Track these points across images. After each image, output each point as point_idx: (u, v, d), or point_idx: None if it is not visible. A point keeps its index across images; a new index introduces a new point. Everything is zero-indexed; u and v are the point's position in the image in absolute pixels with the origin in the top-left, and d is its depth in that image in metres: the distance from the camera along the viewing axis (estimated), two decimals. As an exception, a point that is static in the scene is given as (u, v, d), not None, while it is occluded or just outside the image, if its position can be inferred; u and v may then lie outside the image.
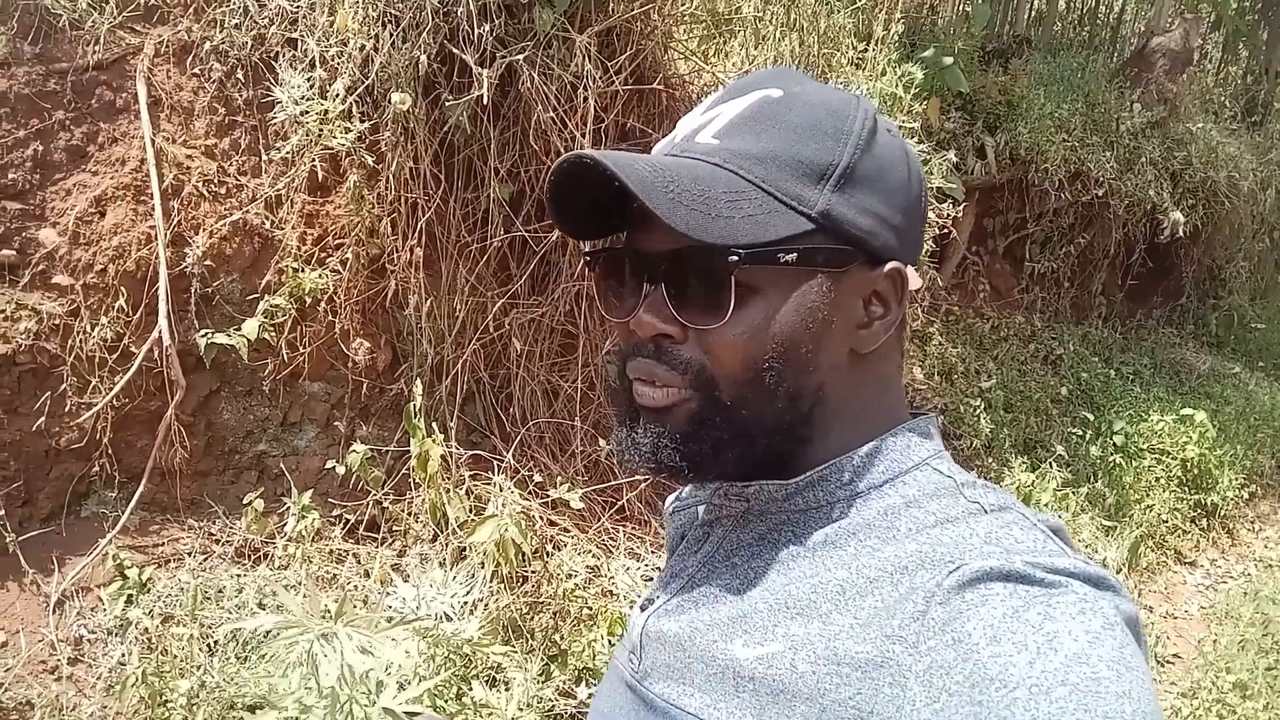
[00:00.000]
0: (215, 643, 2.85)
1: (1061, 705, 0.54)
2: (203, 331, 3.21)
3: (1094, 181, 6.62)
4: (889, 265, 0.76)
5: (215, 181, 3.32)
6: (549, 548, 3.34)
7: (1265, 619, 5.15)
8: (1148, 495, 6.17)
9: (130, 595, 2.93)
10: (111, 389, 3.06)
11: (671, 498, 0.95)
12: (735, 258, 0.71)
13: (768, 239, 0.72)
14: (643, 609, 0.86)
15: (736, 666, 0.72)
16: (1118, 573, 5.27)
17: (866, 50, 4.90)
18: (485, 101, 3.36)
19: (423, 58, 3.29)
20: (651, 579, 3.51)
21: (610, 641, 3.11)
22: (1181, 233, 7.03)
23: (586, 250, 0.85)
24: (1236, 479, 6.65)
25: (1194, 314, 8.36)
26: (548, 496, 3.46)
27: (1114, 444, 6.39)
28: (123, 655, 2.78)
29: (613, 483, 3.75)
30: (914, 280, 0.78)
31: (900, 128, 4.77)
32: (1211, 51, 8.47)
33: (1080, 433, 6.53)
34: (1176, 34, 7.17)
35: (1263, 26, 8.91)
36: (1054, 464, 5.81)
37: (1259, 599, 5.45)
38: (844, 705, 0.64)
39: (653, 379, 0.76)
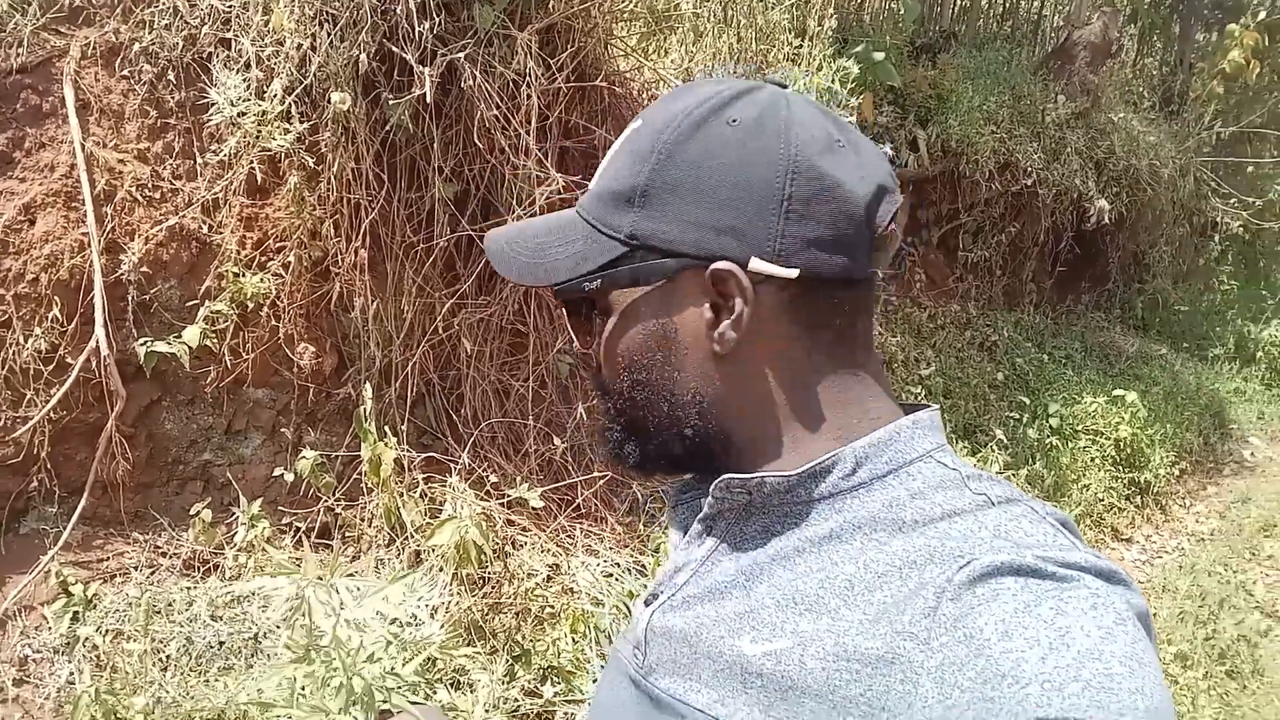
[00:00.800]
0: (168, 657, 2.77)
1: (1074, 701, 0.54)
2: (142, 340, 3.12)
3: (1022, 172, 6.79)
4: (712, 266, 0.74)
5: (149, 186, 3.23)
6: (508, 548, 3.32)
7: (1201, 591, 5.31)
8: (1084, 475, 6.33)
9: (76, 612, 2.84)
10: (48, 402, 2.96)
11: (673, 490, 0.93)
12: (552, 291, 0.81)
13: (583, 270, 0.79)
14: (647, 603, 0.85)
15: (744, 662, 0.71)
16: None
17: (801, 46, 4.95)
18: (427, 100, 3.32)
19: (362, 56, 3.24)
20: (611, 575, 3.50)
21: (574, 639, 3.10)
22: (1107, 220, 7.25)
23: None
24: (1167, 457, 6.87)
25: (1120, 298, 8.62)
26: (505, 496, 3.43)
27: (1050, 426, 6.55)
28: (71, 674, 2.69)
29: (567, 481, 3.74)
30: (776, 270, 0.73)
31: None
32: (1128, 44, 8.73)
33: (1018, 416, 6.68)
34: (1096, 27, 7.39)
35: (1175, 19, 9.23)
36: (994, 447, 5.93)
37: (1195, 572, 5.62)
38: (854, 702, 0.64)
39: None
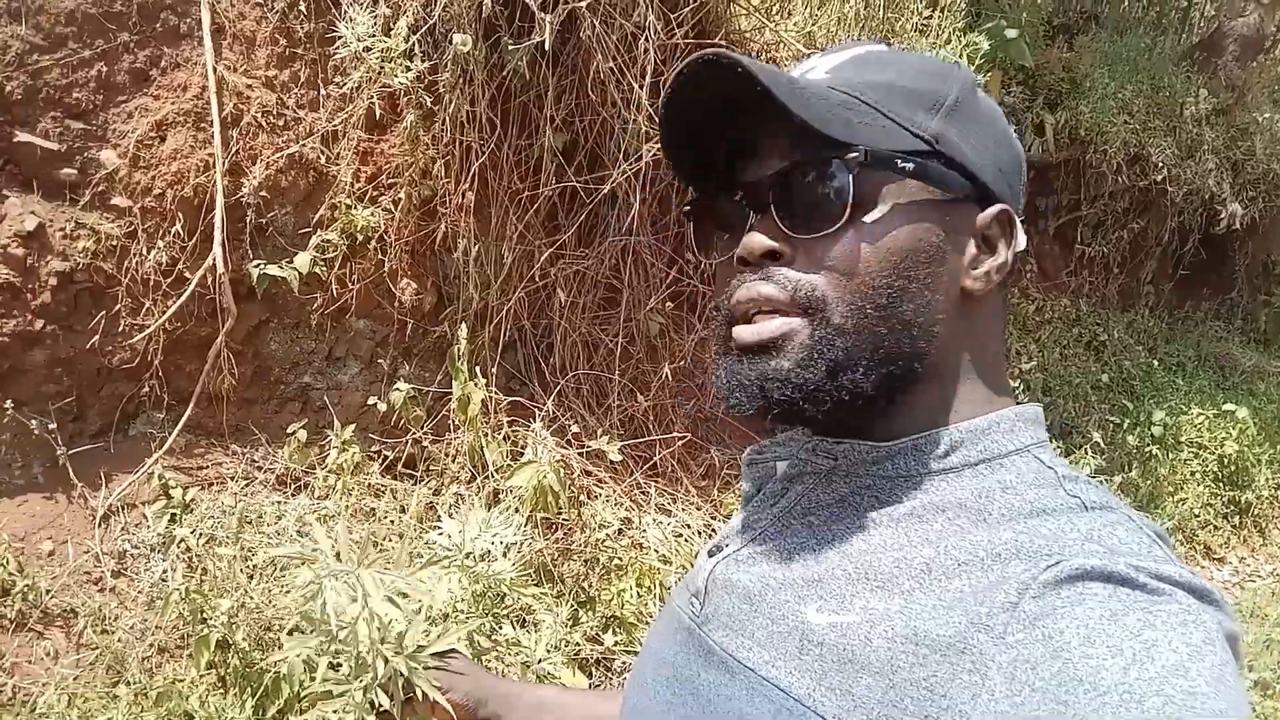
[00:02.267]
0: (255, 566, 2.92)
1: (1153, 716, 0.52)
2: (256, 262, 3.25)
3: (1153, 167, 6.49)
4: (998, 206, 0.76)
5: (274, 113, 3.33)
6: (583, 497, 3.38)
7: (1294, 621, 5.11)
8: (1181, 488, 6.11)
9: (174, 514, 3.00)
10: (165, 313, 3.11)
11: (750, 449, 0.91)
12: (856, 154, 0.70)
13: (888, 148, 0.72)
14: (710, 554, 0.85)
15: (805, 629, 0.70)
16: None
17: (931, 17, 4.81)
18: (545, 47, 3.34)
19: (486, 0, 3.27)
20: (681, 535, 3.54)
21: (638, 593, 3.15)
22: (1238, 225, 6.88)
23: (688, 201, 0.84)
24: (1273, 478, 6.57)
25: (1243, 309, 8.20)
26: (584, 447, 3.48)
27: (1151, 435, 6.32)
28: (165, 571, 2.85)
29: (647, 439, 3.78)
30: (1021, 238, 0.77)
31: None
32: (1284, 39, 8.21)
33: (1118, 421, 6.46)
34: (1251, 19, 6.97)
35: (1340, 17, 8.63)
36: (1089, 450, 5.76)
37: (1289, 601, 5.40)
38: (915, 685, 0.62)
39: (756, 305, 0.74)
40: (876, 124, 0.72)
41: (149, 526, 2.97)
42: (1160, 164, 6.48)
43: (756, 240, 0.74)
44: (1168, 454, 6.27)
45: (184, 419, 3.18)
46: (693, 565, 0.92)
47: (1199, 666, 0.53)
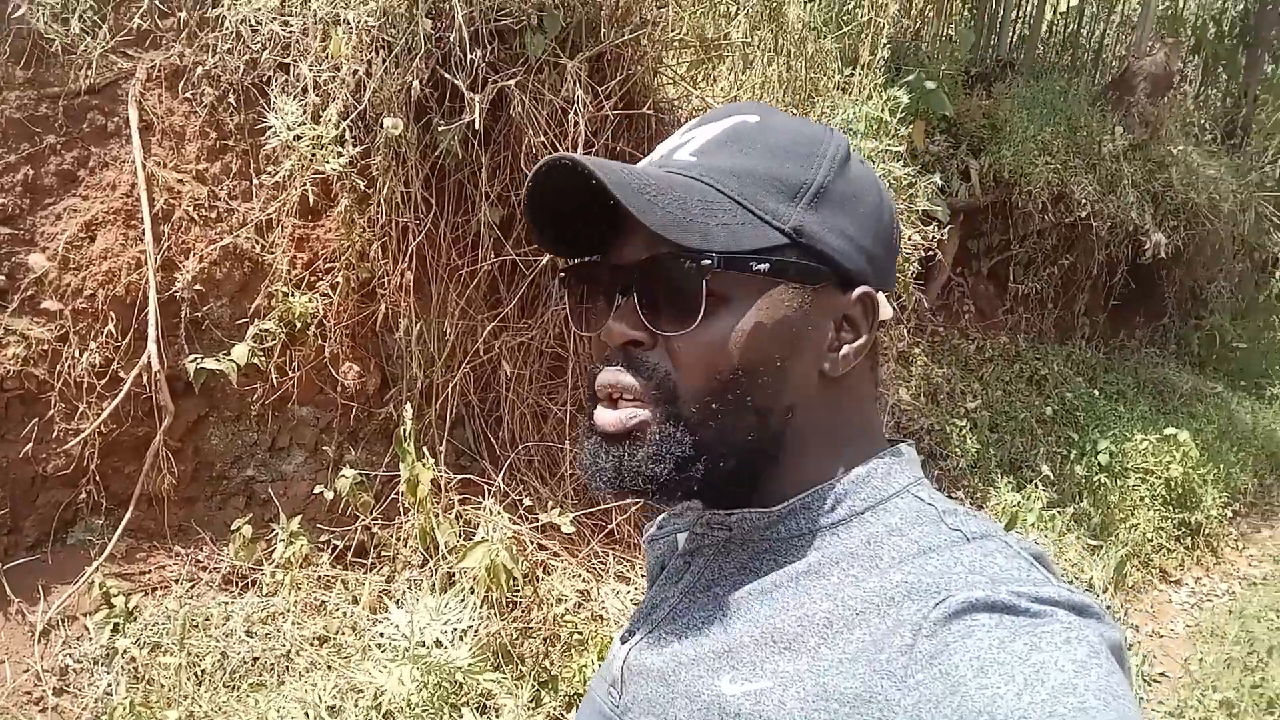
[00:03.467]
0: (203, 671, 2.83)
1: None
2: (192, 357, 3.20)
3: (1077, 204, 6.69)
4: (860, 289, 0.77)
5: (206, 206, 3.31)
6: (539, 572, 3.34)
7: (1250, 637, 5.18)
8: (1133, 514, 6.21)
9: (117, 624, 2.91)
10: (100, 415, 3.05)
11: (650, 526, 0.93)
12: (709, 261, 0.71)
13: (740, 248, 0.73)
14: (623, 641, 0.85)
15: (722, 702, 0.71)
16: (1104, 592, 5.30)
17: (853, 75, 4.94)
18: (477, 126, 3.37)
19: (415, 83, 3.29)
20: (639, 603, 3.51)
21: (600, 668, 3.10)
22: (1163, 253, 7.11)
23: (562, 267, 0.85)
24: (1220, 498, 6.70)
25: (1176, 334, 8.45)
26: (538, 520, 3.45)
27: (1099, 463, 6.43)
28: (109, 685, 2.75)
29: (602, 506, 3.75)
30: (885, 309, 0.79)
31: (885, 151, 4.82)
32: (1191, 75, 8.58)
33: (1065, 452, 6.57)
34: (1158, 58, 7.27)
35: (1241, 50, 9.04)
36: (1039, 484, 5.84)
37: (1244, 617, 5.48)
38: None
39: (617, 391, 0.76)
40: (734, 221, 0.73)
41: (90, 638, 2.87)
42: (1083, 200, 6.69)
43: (617, 329, 0.76)
44: (1116, 481, 6.38)
45: (124, 523, 3.10)
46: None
47: (1086, 682, 0.56)
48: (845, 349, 0.77)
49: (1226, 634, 5.38)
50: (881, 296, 0.79)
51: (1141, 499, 6.32)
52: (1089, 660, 0.57)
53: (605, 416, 0.77)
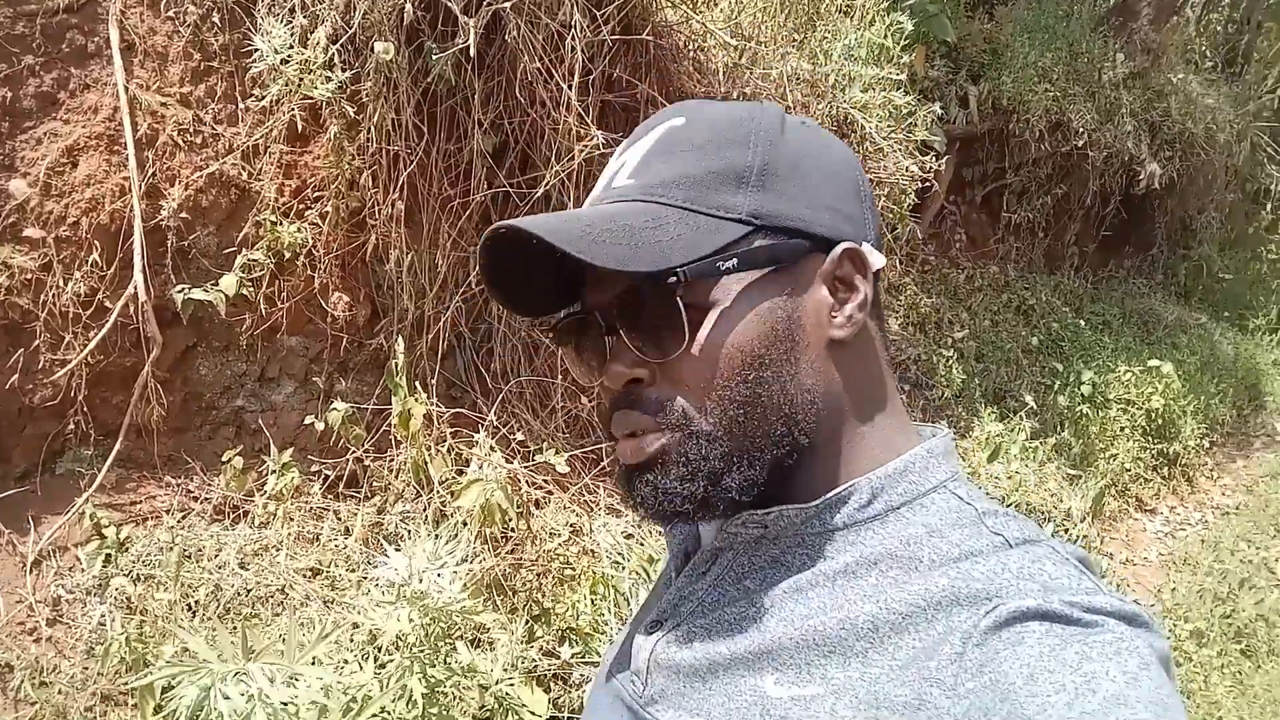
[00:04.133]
0: (196, 604, 2.85)
1: None
2: (179, 287, 3.14)
3: (1074, 132, 6.62)
4: (840, 247, 0.76)
5: (191, 131, 3.21)
6: (531, 507, 3.35)
7: (1222, 568, 5.31)
8: (1112, 445, 6.30)
9: (108, 555, 2.91)
10: (86, 345, 2.99)
11: None
12: (674, 279, 0.70)
13: (703, 253, 0.71)
14: (648, 632, 0.84)
15: (767, 703, 0.71)
16: (1081, 521, 5.40)
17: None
18: (470, 51, 3.26)
19: (407, 5, 3.17)
20: (632, 536, 3.54)
21: (593, 601, 3.14)
22: (1157, 184, 7.08)
23: (548, 329, 0.84)
24: (1198, 428, 6.81)
25: (1164, 264, 8.46)
26: (530, 457, 3.46)
27: (1081, 394, 6.50)
28: (103, 616, 2.77)
29: (593, 439, 3.76)
30: (876, 259, 0.77)
31: (886, 79, 4.72)
32: (1194, 0, 8.42)
33: (1049, 383, 6.63)
34: (1163, -18, 7.12)
35: (1246, -26, 8.86)
36: (1024, 415, 5.90)
37: (1217, 548, 5.61)
38: None
39: (634, 430, 0.76)
40: (689, 230, 0.72)
41: (83, 569, 2.88)
42: (1080, 129, 6.62)
43: (616, 371, 0.76)
44: (1098, 412, 6.46)
45: (113, 453, 3.07)
46: (643, 576, 0.91)
47: (1137, 693, 0.56)
48: (848, 307, 0.76)
49: (1199, 563, 5.51)
50: (867, 246, 0.78)
51: (1122, 429, 6.41)
52: (1140, 671, 0.58)
53: (625, 447, 0.77)
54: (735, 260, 0.72)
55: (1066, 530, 5.26)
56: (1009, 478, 5.20)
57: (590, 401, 3.81)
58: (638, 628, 0.87)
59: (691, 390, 0.73)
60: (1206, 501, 6.71)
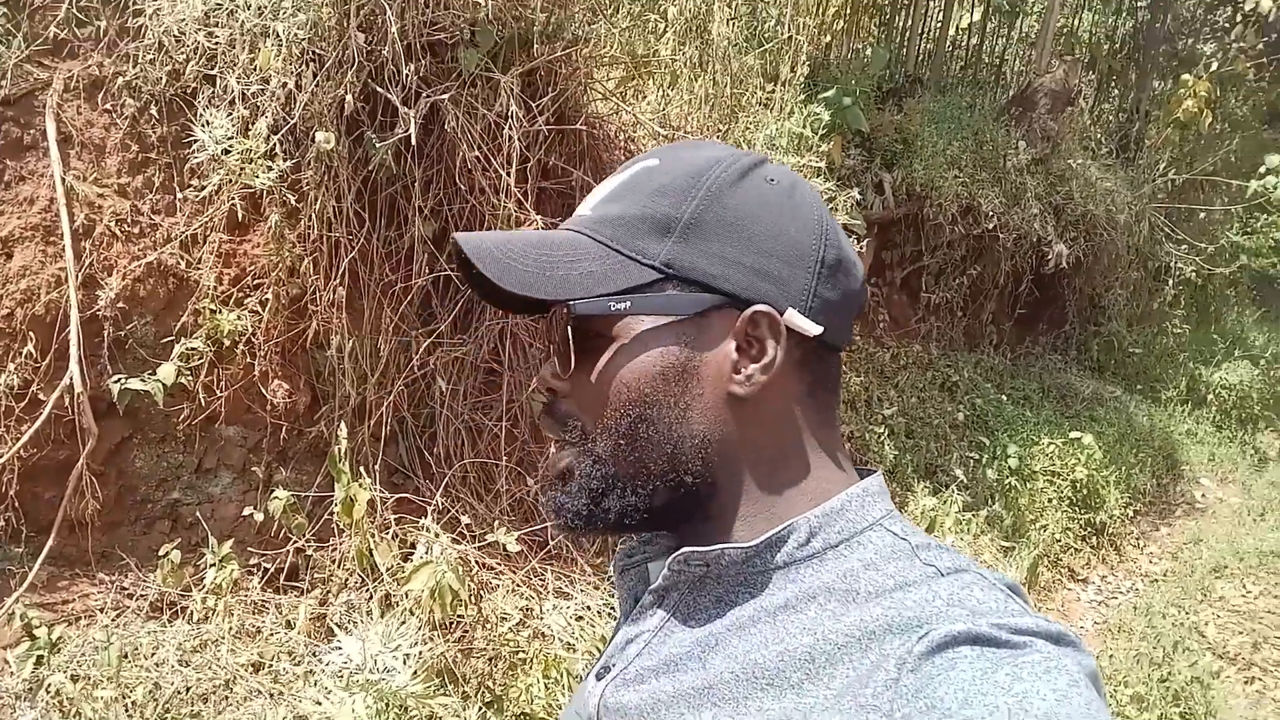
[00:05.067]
0: (134, 704, 2.73)
1: None
2: (116, 377, 3.09)
3: (984, 215, 6.92)
4: (753, 308, 0.77)
5: (129, 221, 3.20)
6: (481, 591, 3.31)
7: (1156, 632, 5.41)
8: (1042, 515, 6.44)
9: (40, 656, 2.78)
10: (19, 439, 2.92)
11: (619, 555, 0.93)
12: (566, 309, 0.77)
13: (602, 291, 0.77)
14: (599, 677, 0.85)
15: None
16: (1017, 592, 5.46)
17: (774, 91, 5.03)
18: (410, 140, 3.33)
19: (347, 97, 3.25)
20: (582, 618, 3.50)
21: (545, 685, 3.09)
22: (1065, 263, 7.41)
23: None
24: (1121, 498, 7.00)
25: (1077, 340, 8.79)
26: (478, 539, 3.42)
27: (1008, 467, 6.65)
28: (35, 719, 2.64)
29: (540, 523, 3.74)
30: (804, 325, 0.78)
31: (807, 167, 4.92)
32: (1087, 91, 8.96)
33: (977, 456, 6.78)
34: (1057, 74, 7.58)
35: (1132, 68, 9.49)
36: (955, 488, 6.01)
37: (1149, 613, 5.72)
38: None
39: (550, 434, 0.83)
40: (601, 266, 0.78)
41: (12, 672, 2.74)
42: (990, 212, 6.92)
43: (542, 376, 0.84)
44: (1025, 484, 6.61)
45: (45, 550, 2.97)
46: (596, 657, 0.92)
47: (1069, 709, 0.58)
48: (751, 367, 0.78)
49: (1133, 630, 5.61)
50: (792, 312, 0.78)
51: (1050, 500, 6.56)
52: (1069, 689, 0.60)
53: (548, 462, 0.84)
54: (629, 302, 0.77)
55: (1004, 599, 5.32)
56: (946, 550, 5.26)
57: (535, 484, 3.81)
58: (590, 673, 0.88)
59: (585, 412, 0.80)
60: (1135, 570, 6.87)
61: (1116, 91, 9.63)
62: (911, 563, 0.74)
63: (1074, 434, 6.95)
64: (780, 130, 4.93)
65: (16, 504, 2.93)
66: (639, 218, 0.78)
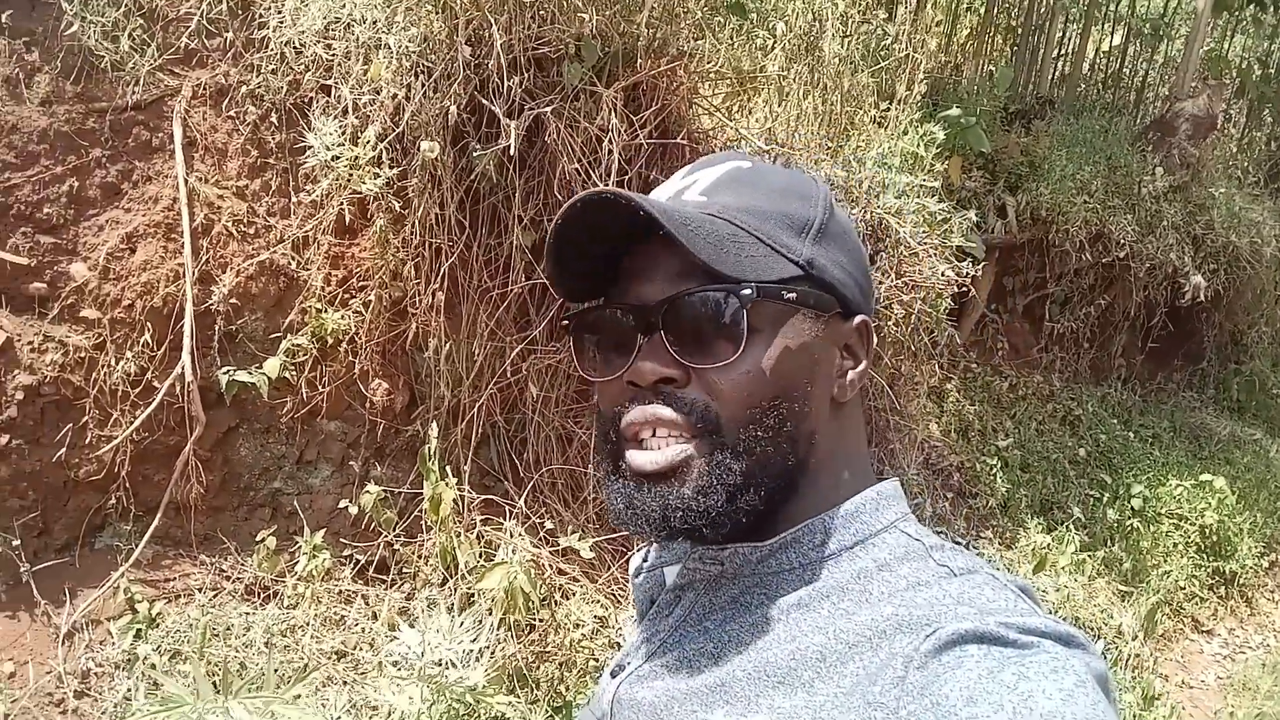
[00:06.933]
0: (219, 681, 2.85)
1: None
2: (225, 369, 3.25)
3: (1115, 244, 6.62)
4: (859, 318, 0.82)
5: (245, 221, 3.38)
6: (557, 596, 3.34)
7: (1285, 693, 5.05)
8: (1165, 560, 6.09)
9: (139, 630, 2.94)
10: (132, 423, 3.10)
11: (636, 560, 0.93)
12: (749, 291, 0.74)
13: (771, 278, 0.76)
14: (613, 675, 0.86)
15: None
16: (1134, 639, 5.20)
17: (889, 109, 4.95)
18: (512, 151, 3.41)
19: (453, 108, 3.35)
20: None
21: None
22: (1203, 297, 7.00)
23: (565, 315, 0.86)
24: (1255, 547, 6.56)
25: (1215, 378, 8.30)
26: (558, 544, 3.46)
27: (1131, 508, 6.32)
28: (129, 690, 2.79)
29: (622, 532, 3.75)
30: (873, 338, 0.84)
31: (920, 186, 4.81)
32: (1236, 117, 8.48)
33: (1097, 495, 6.47)
34: (1201, 99, 7.20)
35: (1287, 94, 8.93)
36: (1071, 526, 5.76)
37: (1278, 671, 5.34)
38: None
39: (651, 428, 0.77)
40: (759, 254, 0.76)
41: (114, 643, 2.91)
42: (1121, 241, 6.62)
43: (648, 367, 0.77)
44: (1149, 526, 6.27)
45: (151, 530, 3.15)
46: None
47: (1073, 709, 0.57)
48: (850, 374, 0.82)
49: (1259, 688, 5.25)
50: (873, 332, 0.84)
51: (1175, 545, 6.21)
52: (1076, 689, 0.58)
53: (643, 457, 0.77)
54: (796, 294, 0.77)
55: (1117, 648, 5.06)
56: (1056, 590, 5.05)
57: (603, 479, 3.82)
58: (606, 671, 0.89)
59: (725, 401, 0.75)
60: (1268, 624, 6.42)
61: (1270, 118, 9.07)
62: (925, 563, 0.74)
63: (1205, 476, 6.56)
64: (893, 149, 4.84)
65: (127, 485, 3.11)
66: (775, 213, 0.79)
